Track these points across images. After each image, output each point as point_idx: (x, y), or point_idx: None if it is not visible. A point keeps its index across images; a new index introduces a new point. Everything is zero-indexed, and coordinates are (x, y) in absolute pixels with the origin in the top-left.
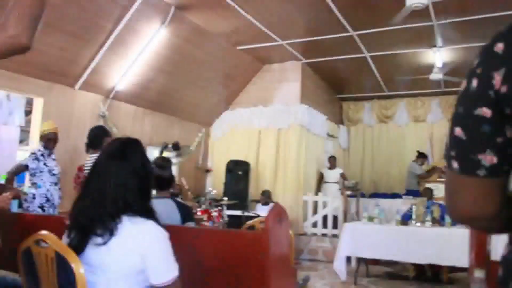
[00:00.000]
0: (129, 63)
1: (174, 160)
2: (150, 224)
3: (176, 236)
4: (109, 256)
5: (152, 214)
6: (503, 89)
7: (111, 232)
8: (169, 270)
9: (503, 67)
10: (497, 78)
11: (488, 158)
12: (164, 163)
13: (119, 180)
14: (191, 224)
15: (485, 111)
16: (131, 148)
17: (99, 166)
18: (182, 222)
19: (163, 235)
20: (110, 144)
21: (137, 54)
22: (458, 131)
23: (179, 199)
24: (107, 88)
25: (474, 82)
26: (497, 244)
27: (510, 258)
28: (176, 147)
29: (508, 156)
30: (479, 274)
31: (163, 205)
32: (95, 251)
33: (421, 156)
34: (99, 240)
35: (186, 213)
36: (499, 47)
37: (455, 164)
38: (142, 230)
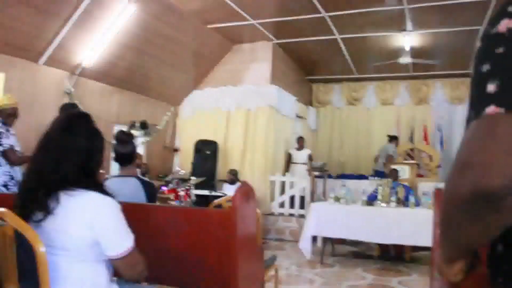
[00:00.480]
0: (96, 39)
1: (141, 139)
2: (93, 194)
3: (141, 214)
4: (60, 233)
5: (96, 187)
6: None
7: (46, 208)
8: (123, 240)
9: None
10: None
11: None
12: (125, 137)
13: (60, 154)
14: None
15: None
16: (77, 122)
17: (44, 139)
18: (147, 201)
19: (111, 204)
20: (58, 117)
21: (104, 30)
22: None
23: (145, 178)
24: (73, 64)
25: None
26: None
27: None
28: (143, 126)
29: None
30: None
31: (128, 184)
32: (45, 230)
33: (394, 138)
34: (37, 216)
35: (152, 192)
36: None
37: None
38: (86, 201)
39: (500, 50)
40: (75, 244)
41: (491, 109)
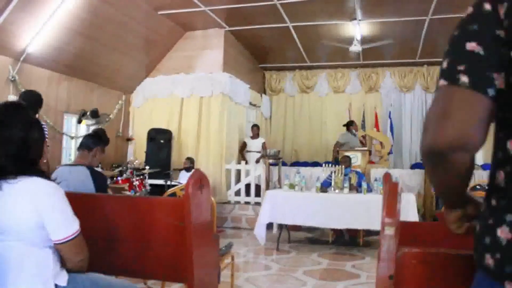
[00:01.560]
0: (42, 22)
1: (92, 128)
2: (36, 179)
3: (91, 204)
4: (4, 218)
5: (39, 173)
6: (505, 23)
7: None
8: (68, 224)
9: (505, 1)
10: (501, 11)
11: (500, 81)
12: (96, 130)
13: None
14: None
15: (503, 35)
16: (12, 113)
17: None
18: (96, 191)
19: (54, 188)
20: None
21: (50, 13)
22: (472, 45)
23: (97, 168)
24: (17, 50)
25: (487, 6)
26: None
27: (485, 214)
28: (94, 114)
29: (508, 92)
30: (389, 231)
31: (75, 172)
32: None
33: (350, 124)
34: None
35: (101, 182)
36: None
37: (464, 78)
38: (29, 186)
39: (455, 32)
40: (20, 228)
41: (440, 82)
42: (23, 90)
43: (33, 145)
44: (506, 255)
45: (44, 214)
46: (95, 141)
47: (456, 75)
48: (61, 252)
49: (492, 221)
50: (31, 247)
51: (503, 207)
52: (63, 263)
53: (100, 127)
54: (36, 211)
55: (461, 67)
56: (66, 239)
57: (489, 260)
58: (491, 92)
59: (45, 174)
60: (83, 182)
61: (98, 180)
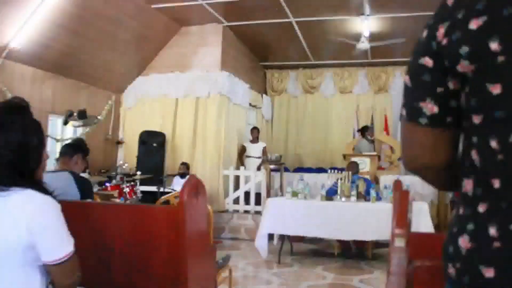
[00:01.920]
0: (26, 17)
1: (80, 130)
2: (31, 192)
3: (78, 212)
4: None
5: (34, 185)
6: (444, 41)
7: None
8: (62, 245)
9: (448, 20)
10: (441, 31)
11: (429, 107)
12: (76, 140)
13: None
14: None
15: (427, 61)
16: (8, 115)
17: None
18: (81, 198)
19: (51, 203)
20: None
21: (35, 6)
22: (406, 79)
23: (82, 174)
24: None
25: (424, 33)
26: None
27: (452, 223)
28: (82, 115)
29: (451, 109)
30: (399, 243)
31: (58, 179)
32: None
33: (365, 130)
34: None
35: (85, 188)
36: (450, 0)
37: (403, 112)
38: (23, 200)
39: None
40: (8, 247)
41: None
42: (5, 88)
43: (32, 152)
44: (465, 265)
45: (36, 233)
46: (74, 148)
47: (401, 109)
48: (51, 273)
49: (455, 230)
50: (17, 267)
51: (467, 215)
52: (51, 283)
53: (87, 129)
54: (27, 229)
55: (403, 101)
56: (58, 261)
57: (451, 269)
58: (423, 120)
59: (42, 186)
60: (67, 187)
61: (83, 185)
